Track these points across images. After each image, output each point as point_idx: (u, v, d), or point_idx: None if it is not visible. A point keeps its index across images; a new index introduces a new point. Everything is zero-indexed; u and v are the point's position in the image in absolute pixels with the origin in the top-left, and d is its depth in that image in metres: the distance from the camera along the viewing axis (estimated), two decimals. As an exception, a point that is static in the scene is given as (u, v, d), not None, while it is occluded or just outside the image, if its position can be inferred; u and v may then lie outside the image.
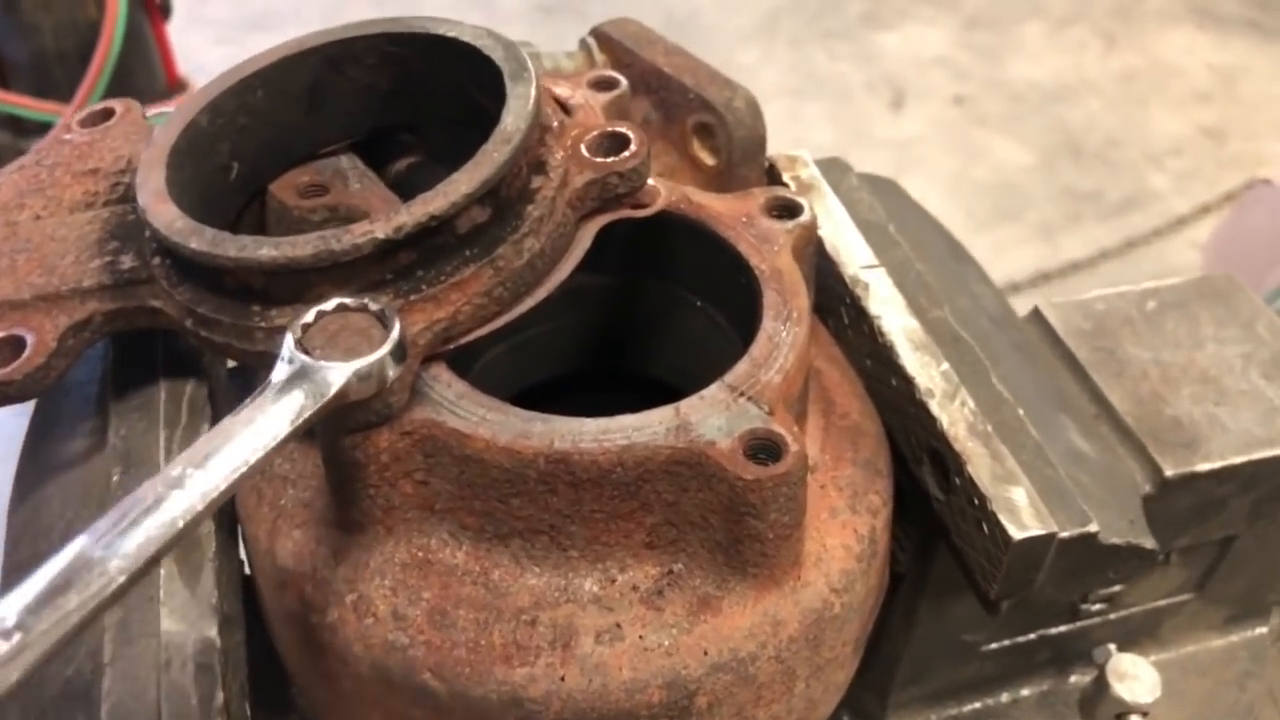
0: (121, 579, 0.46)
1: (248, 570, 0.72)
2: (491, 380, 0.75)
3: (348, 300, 0.58)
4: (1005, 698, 0.96)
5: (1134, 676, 0.90)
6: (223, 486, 0.50)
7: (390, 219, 0.59)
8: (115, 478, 0.67)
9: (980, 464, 0.66)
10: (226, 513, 0.69)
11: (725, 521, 0.59)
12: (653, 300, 0.80)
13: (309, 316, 0.57)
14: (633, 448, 0.58)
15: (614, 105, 0.81)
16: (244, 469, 0.51)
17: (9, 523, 0.72)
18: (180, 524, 0.48)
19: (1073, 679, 0.96)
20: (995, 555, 0.65)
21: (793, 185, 0.85)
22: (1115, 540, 0.68)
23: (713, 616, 0.61)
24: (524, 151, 0.63)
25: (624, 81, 0.82)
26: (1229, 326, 0.90)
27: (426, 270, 0.61)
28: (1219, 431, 0.82)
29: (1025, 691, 0.96)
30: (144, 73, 2.67)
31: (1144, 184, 4.05)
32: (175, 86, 2.80)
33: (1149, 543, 0.71)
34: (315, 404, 0.54)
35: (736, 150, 0.84)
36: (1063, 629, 0.91)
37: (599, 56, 0.91)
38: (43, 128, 2.65)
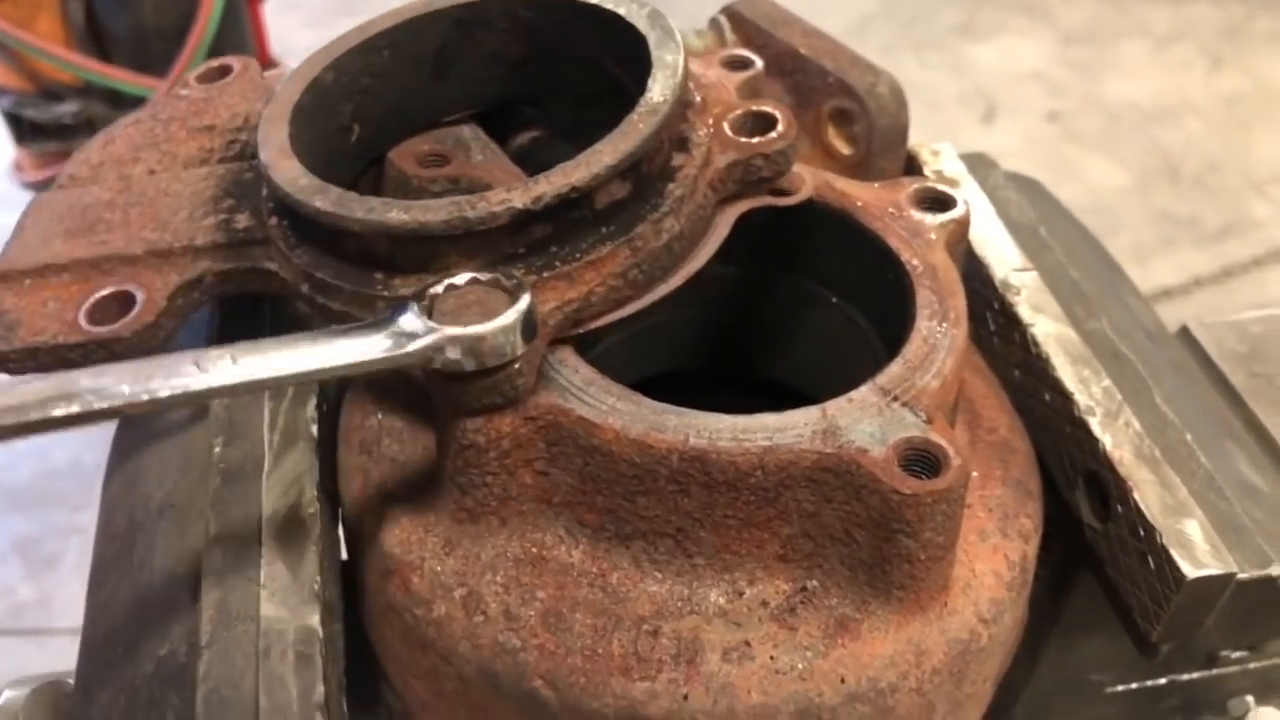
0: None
1: (344, 555, 0.69)
2: (607, 371, 0.71)
3: (480, 275, 0.53)
4: (1126, 744, 0.89)
5: (1273, 731, 0.83)
6: (234, 382, 0.49)
7: (529, 188, 0.55)
8: (217, 449, 0.63)
9: (1149, 492, 0.60)
10: (330, 493, 0.65)
11: (872, 538, 0.54)
12: (783, 295, 0.75)
13: (439, 288, 0.53)
14: (775, 450, 0.54)
15: (747, 85, 0.76)
16: (273, 378, 0.50)
17: (104, 490, 0.70)
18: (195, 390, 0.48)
19: (1201, 729, 0.89)
20: (1162, 594, 0.59)
21: (934, 179, 0.79)
22: (1297, 585, 0.62)
23: (851, 641, 0.56)
24: (669, 125, 0.59)
25: (759, 61, 0.77)
26: (1397, 355, 0.83)
27: (561, 246, 0.57)
28: (1391, 471, 0.75)
29: (1147, 739, 0.89)
30: (237, 51, 2.69)
31: (1244, 211, 3.91)
32: (267, 67, 2.83)
33: (1332, 591, 0.64)
34: (399, 349, 0.51)
35: (877, 139, 0.78)
36: (1196, 675, 0.85)
37: (730, 36, 0.86)
38: (138, 102, 2.70)
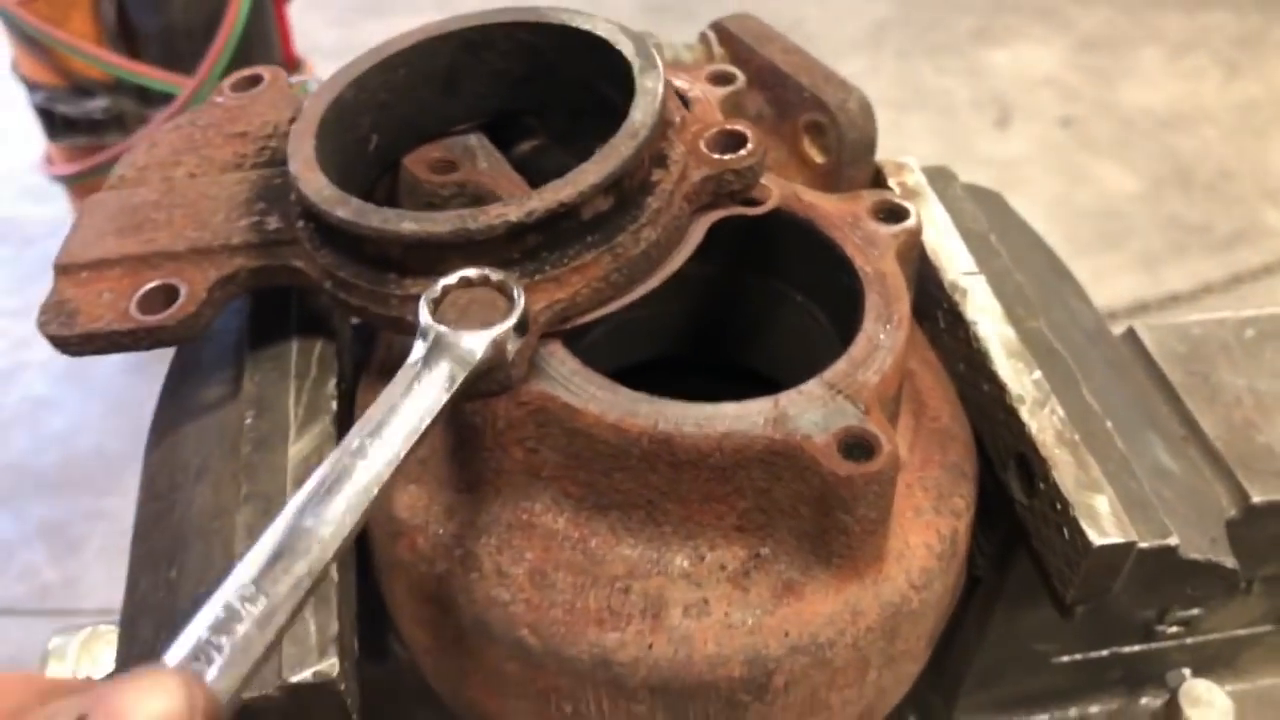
0: (337, 543, 0.50)
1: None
2: (595, 358, 0.79)
3: (474, 274, 0.62)
4: (1074, 713, 0.97)
5: (1208, 703, 0.91)
6: (402, 452, 0.54)
7: (522, 204, 0.63)
8: (248, 421, 0.72)
9: (1065, 470, 0.68)
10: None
11: (814, 512, 0.62)
12: (755, 293, 0.83)
13: (441, 286, 0.61)
14: (732, 435, 0.62)
15: (730, 99, 0.83)
16: (415, 435, 0.55)
17: (146, 459, 0.78)
18: (374, 489, 0.53)
19: (1143, 700, 0.96)
20: (1074, 560, 0.67)
21: (898, 190, 0.87)
22: (1195, 556, 0.69)
23: (795, 601, 0.64)
24: (649, 146, 0.67)
25: (741, 77, 0.84)
26: (1331, 361, 0.90)
27: (551, 253, 0.65)
28: (1311, 463, 0.82)
29: (1094, 709, 0.97)
30: (263, 50, 2.77)
31: (1256, 219, 3.93)
32: (292, 65, 2.91)
33: (1230, 562, 0.72)
34: (464, 371, 0.58)
35: (846, 151, 0.86)
36: (1137, 648, 0.92)
37: (718, 50, 0.94)
38: (166, 98, 2.78)
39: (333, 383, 0.74)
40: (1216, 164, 4.16)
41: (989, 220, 0.86)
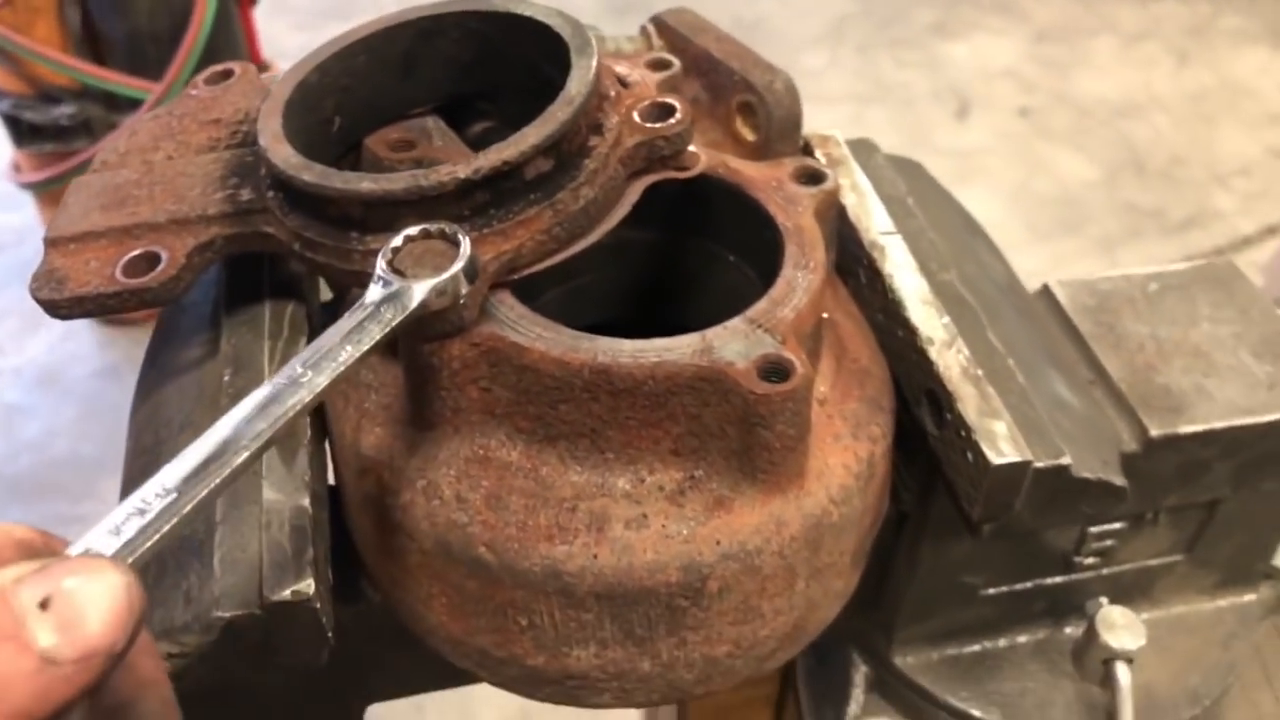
0: (249, 453, 0.58)
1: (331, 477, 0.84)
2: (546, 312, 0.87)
3: (430, 226, 0.69)
4: (1003, 643, 1.04)
5: (1123, 626, 0.98)
6: (326, 383, 0.62)
7: (470, 162, 0.70)
8: (226, 378, 0.78)
9: (969, 402, 0.76)
10: (318, 412, 0.80)
11: (739, 432, 0.69)
12: (692, 256, 0.90)
13: (398, 240, 0.69)
14: (663, 364, 0.69)
15: (666, 83, 0.91)
16: (344, 369, 0.63)
17: (132, 418, 0.85)
18: (295, 411, 0.60)
19: (1067, 630, 1.04)
20: (977, 480, 0.74)
21: (824, 160, 0.95)
22: (1086, 474, 0.77)
23: (725, 514, 0.71)
24: (584, 113, 0.74)
25: (676, 62, 0.92)
26: (1225, 309, 0.98)
27: (497, 209, 0.72)
28: (1205, 399, 0.90)
29: (1022, 638, 1.04)
30: (230, 55, 2.82)
31: (1208, 203, 4.04)
32: (259, 68, 2.97)
33: (1119, 480, 0.79)
34: (401, 315, 0.66)
35: (775, 128, 0.94)
36: (1059, 579, 1.00)
37: (656, 41, 1.02)
38: (133, 103, 2.81)
39: (303, 342, 0.81)
40: (1169, 150, 4.26)
41: (907, 185, 0.94)
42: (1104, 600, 1.02)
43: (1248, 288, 1.01)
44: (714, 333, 0.71)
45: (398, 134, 0.86)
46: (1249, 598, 1.08)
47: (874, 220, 0.89)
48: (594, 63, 0.76)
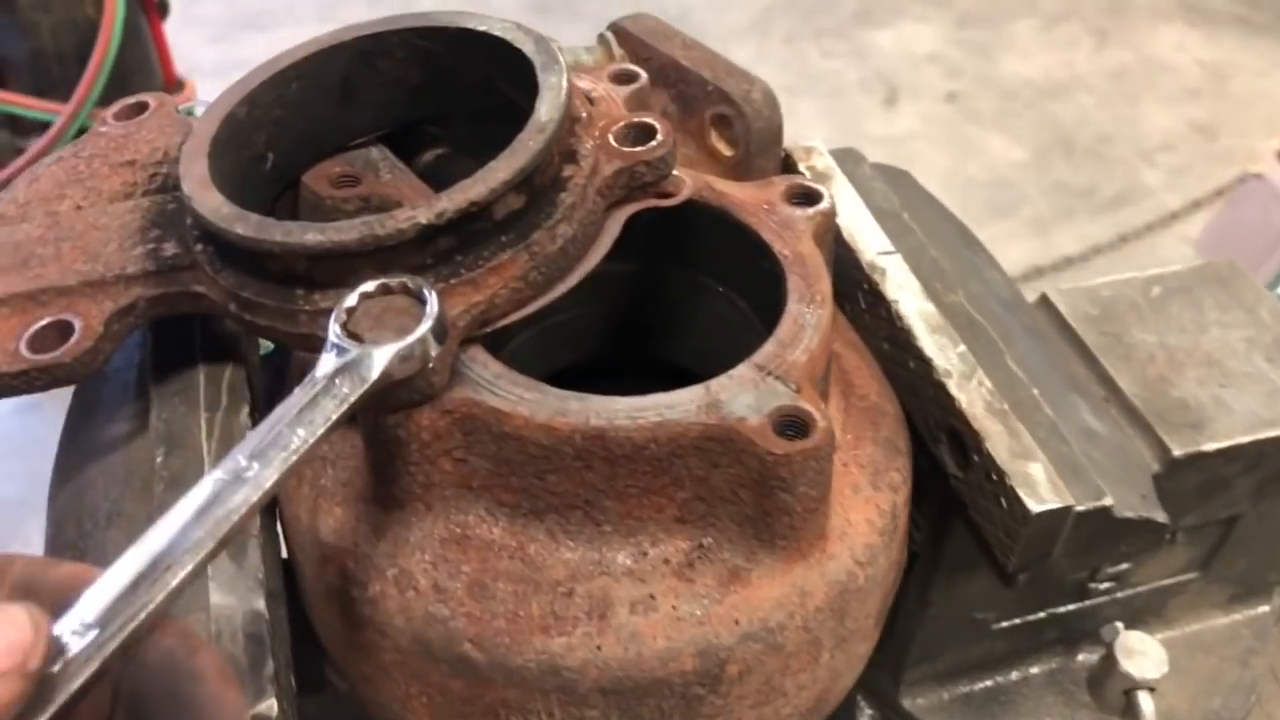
0: (189, 568, 0.48)
1: (284, 551, 0.74)
2: (520, 365, 0.78)
3: (389, 280, 0.60)
4: (1015, 676, 0.98)
5: (1141, 653, 0.92)
6: (276, 476, 0.52)
7: (432, 205, 0.61)
8: (159, 459, 0.68)
9: (998, 441, 0.69)
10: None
11: (754, 496, 0.61)
12: (675, 287, 0.82)
13: (352, 299, 0.59)
14: (666, 424, 0.61)
15: (635, 98, 0.83)
16: (296, 458, 0.53)
17: (51, 506, 0.74)
18: (240, 514, 0.50)
19: (1080, 657, 0.98)
20: (1013, 529, 0.67)
21: (808, 175, 0.87)
22: (1129, 514, 0.70)
23: (742, 588, 0.63)
24: (557, 140, 0.65)
25: (644, 75, 0.84)
26: (1232, 311, 0.93)
27: (465, 255, 0.63)
28: (1224, 413, 0.85)
29: (1035, 670, 0.98)
30: (142, 73, 2.68)
31: (1136, 179, 4.08)
32: (173, 86, 2.82)
33: (1161, 517, 0.73)
34: (360, 389, 0.56)
35: (754, 141, 0.86)
36: (1071, 607, 0.94)
37: (617, 51, 0.93)
38: (41, 126, 2.66)
39: (245, 411, 0.71)
40: (1095, 129, 4.30)
41: (900, 198, 0.86)
42: (1120, 626, 0.96)
43: (1252, 287, 0.96)
44: (719, 383, 0.63)
45: (339, 168, 0.76)
46: (1263, 609, 1.04)
47: (871, 239, 0.81)
48: (564, 82, 0.67)
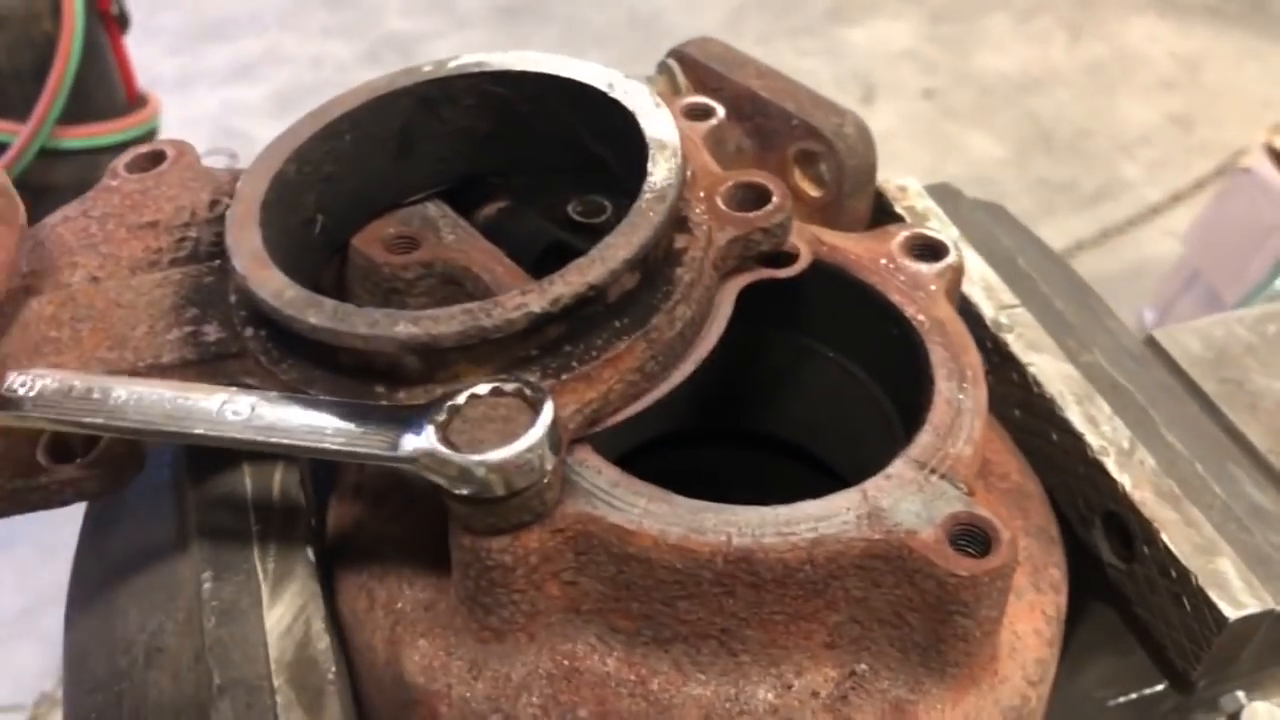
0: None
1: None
2: (597, 443, 0.68)
3: (503, 383, 0.50)
4: (1128, 749, 0.90)
5: (1269, 724, 0.85)
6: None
7: (545, 290, 0.51)
8: (206, 585, 0.58)
9: (1176, 532, 0.60)
10: (332, 615, 0.60)
11: (926, 620, 0.52)
12: (776, 352, 0.73)
13: (459, 400, 0.49)
14: (823, 541, 0.51)
15: (713, 135, 0.74)
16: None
17: (70, 633, 0.64)
18: None
19: (1196, 727, 0.91)
20: (1201, 634, 0.59)
21: (907, 217, 0.78)
22: (1325, 610, 0.62)
23: (908, 724, 0.54)
24: (675, 209, 0.56)
25: (720, 109, 0.75)
26: (1353, 349, 0.85)
27: (576, 345, 0.54)
28: (1369, 467, 0.77)
29: (1149, 742, 0.90)
30: (103, 89, 2.57)
31: (1116, 173, 4.07)
32: (135, 102, 2.69)
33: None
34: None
35: (847, 181, 0.77)
36: (1189, 678, 0.86)
37: (682, 81, 0.84)
38: (0, 147, 2.53)
39: (303, 520, 0.61)
40: (1073, 124, 4.28)
41: (1010, 240, 0.78)
42: (1241, 695, 0.88)
43: (1370, 322, 0.88)
44: (876, 486, 0.54)
45: (394, 228, 0.66)
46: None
47: (991, 291, 0.72)
48: (677, 138, 0.58)
